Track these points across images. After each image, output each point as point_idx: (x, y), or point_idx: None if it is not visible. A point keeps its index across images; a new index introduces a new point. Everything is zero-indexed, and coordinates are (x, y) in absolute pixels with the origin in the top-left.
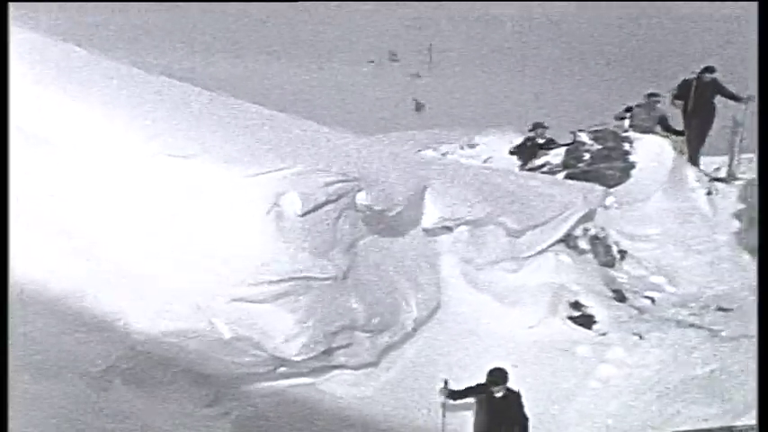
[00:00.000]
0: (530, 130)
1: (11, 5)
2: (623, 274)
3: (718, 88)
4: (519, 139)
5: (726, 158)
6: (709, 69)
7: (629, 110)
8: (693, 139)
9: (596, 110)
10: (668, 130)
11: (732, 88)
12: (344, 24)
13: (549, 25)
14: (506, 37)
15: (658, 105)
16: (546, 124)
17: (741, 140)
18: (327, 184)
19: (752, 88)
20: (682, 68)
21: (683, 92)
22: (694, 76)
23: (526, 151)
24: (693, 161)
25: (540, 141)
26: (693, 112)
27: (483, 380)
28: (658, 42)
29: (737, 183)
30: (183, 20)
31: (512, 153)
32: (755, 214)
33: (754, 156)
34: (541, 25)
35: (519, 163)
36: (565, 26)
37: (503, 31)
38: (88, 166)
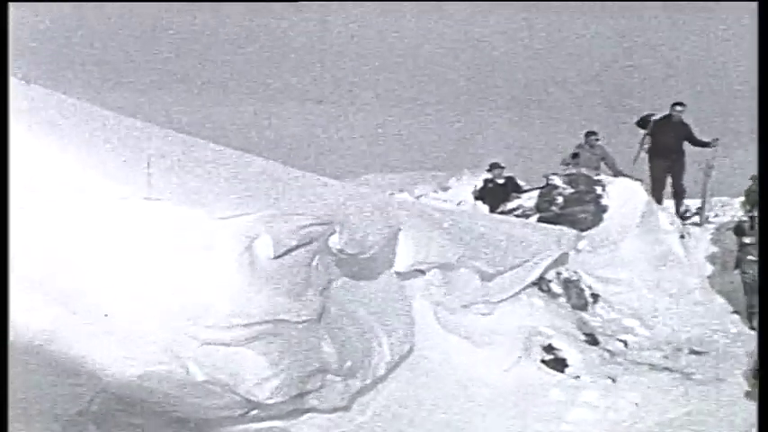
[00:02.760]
0: (487, 170)
1: (11, 5)
2: (596, 317)
3: (687, 134)
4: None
5: (696, 201)
6: (679, 105)
7: (575, 155)
8: (659, 179)
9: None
10: (613, 168)
11: (697, 134)
12: (316, 65)
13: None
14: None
15: (598, 143)
16: (502, 164)
17: (712, 184)
18: (300, 228)
19: (752, 87)
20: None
21: (649, 126)
22: (663, 114)
23: (489, 193)
24: (657, 201)
25: (500, 182)
26: (661, 151)
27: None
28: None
29: (710, 226)
30: (159, 58)
31: (476, 198)
32: (729, 259)
33: (727, 198)
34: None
35: (488, 207)
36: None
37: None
38: (58, 208)
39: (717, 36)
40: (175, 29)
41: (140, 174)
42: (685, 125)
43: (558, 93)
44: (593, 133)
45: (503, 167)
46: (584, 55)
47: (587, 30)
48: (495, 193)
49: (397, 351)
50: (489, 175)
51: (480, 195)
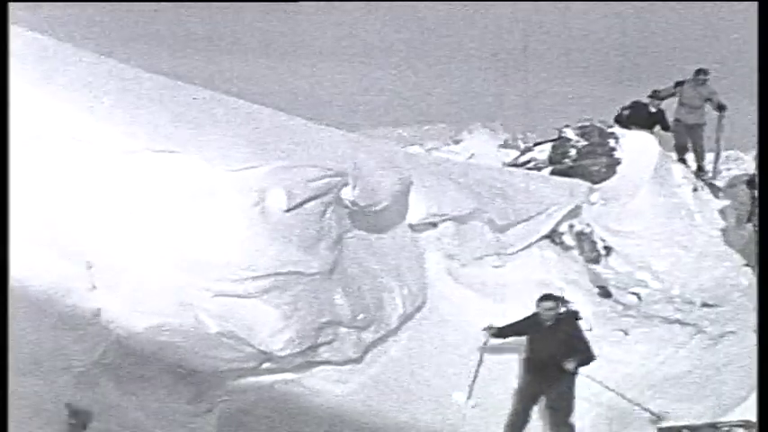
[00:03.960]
0: (648, 96)
1: (11, 5)
2: (609, 270)
3: (711, 94)
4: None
5: (710, 155)
6: (704, 72)
7: (679, 83)
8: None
9: (582, 106)
10: (719, 107)
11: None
12: (329, 22)
13: (536, 24)
14: (492, 36)
15: (707, 82)
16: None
17: (723, 138)
18: (312, 180)
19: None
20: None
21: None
22: (690, 78)
23: (636, 114)
24: (699, 158)
25: (652, 110)
26: (685, 113)
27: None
28: (652, 42)
29: (723, 179)
30: (164, 17)
31: (622, 114)
32: (743, 212)
33: (737, 153)
34: (527, 24)
35: (505, 159)
36: (551, 24)
37: (489, 29)
38: (69, 161)
39: (717, 36)
40: None
41: (150, 126)
42: (709, 87)
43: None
44: (704, 71)
45: (663, 99)
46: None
47: (588, 22)
48: (643, 118)
49: (410, 304)
50: (647, 100)
51: (627, 116)
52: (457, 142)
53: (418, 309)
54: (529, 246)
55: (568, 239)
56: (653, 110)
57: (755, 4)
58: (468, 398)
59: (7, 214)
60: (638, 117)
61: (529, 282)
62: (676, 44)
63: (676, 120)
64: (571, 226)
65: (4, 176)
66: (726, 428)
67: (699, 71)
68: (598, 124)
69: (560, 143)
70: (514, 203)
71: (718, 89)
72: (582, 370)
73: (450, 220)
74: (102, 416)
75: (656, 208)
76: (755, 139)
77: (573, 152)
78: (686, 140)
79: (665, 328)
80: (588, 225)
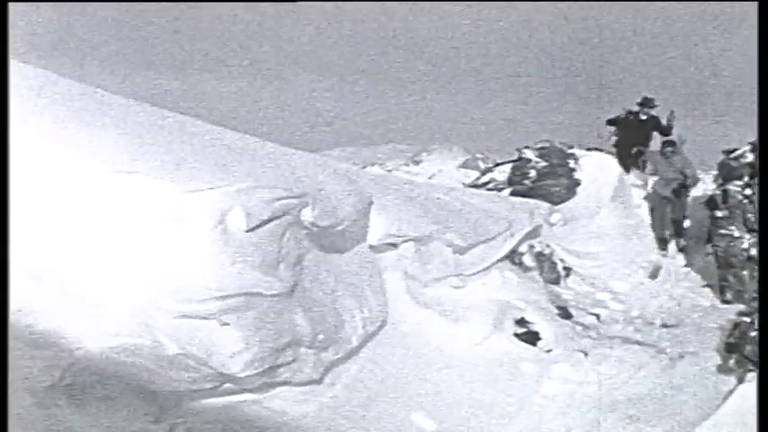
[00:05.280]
0: (638, 104)
1: (11, 5)
2: (568, 290)
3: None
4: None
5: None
6: (671, 143)
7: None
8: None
9: (541, 128)
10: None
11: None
12: (290, 43)
13: (497, 45)
14: (452, 58)
15: (677, 153)
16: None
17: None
18: (272, 200)
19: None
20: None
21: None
22: (636, 109)
23: (625, 126)
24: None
25: (643, 117)
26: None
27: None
28: (616, 64)
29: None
30: (125, 35)
31: (609, 124)
32: (702, 232)
33: (699, 172)
34: (488, 46)
35: (465, 180)
36: (513, 46)
37: (449, 51)
38: (30, 181)
39: (717, 36)
40: (160, 12)
41: (111, 147)
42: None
43: (529, 73)
44: (671, 143)
45: (655, 106)
46: (575, 49)
47: (583, 24)
48: (632, 129)
49: (370, 324)
50: (636, 109)
51: (615, 123)
52: (417, 163)
53: (378, 329)
54: (489, 266)
55: (528, 260)
56: (643, 117)
57: (755, 4)
58: None
59: (7, 216)
60: (629, 123)
61: (489, 302)
62: (642, 66)
63: (654, 190)
64: (531, 247)
65: (4, 176)
66: None
67: (665, 143)
68: (558, 145)
69: (520, 164)
70: (474, 224)
71: (679, 110)
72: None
73: (410, 240)
74: None
75: (615, 228)
76: (715, 158)
77: (533, 173)
78: (664, 212)
79: (625, 348)
80: (548, 246)
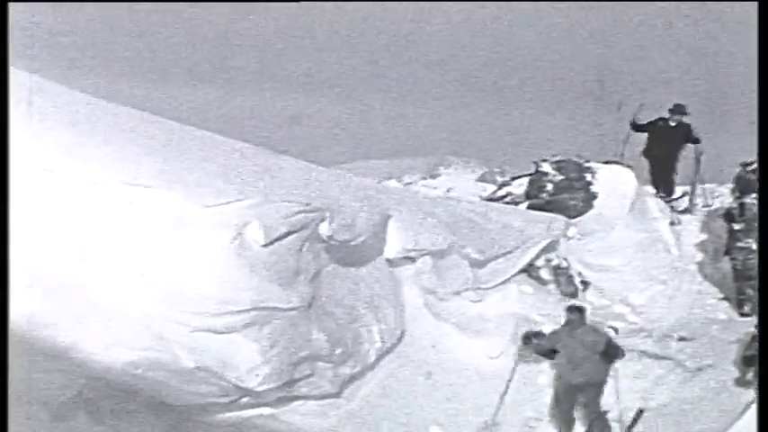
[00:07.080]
0: (669, 110)
1: (11, 5)
2: (586, 304)
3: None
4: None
5: (686, 188)
6: (681, 109)
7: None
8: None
9: (558, 141)
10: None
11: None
12: (307, 54)
13: (514, 58)
14: (469, 71)
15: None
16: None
17: (702, 171)
18: (290, 215)
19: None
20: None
21: (649, 127)
22: (667, 116)
23: (658, 132)
24: (667, 191)
25: (672, 124)
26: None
27: None
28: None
29: (700, 213)
30: (144, 48)
31: (636, 129)
32: (720, 245)
33: (715, 186)
34: (506, 59)
35: (482, 194)
36: (530, 58)
37: (467, 64)
38: (47, 194)
39: (716, 36)
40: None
41: (123, 159)
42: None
43: (545, 85)
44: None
45: (687, 113)
46: (579, 52)
47: (583, 28)
48: (661, 136)
49: (387, 338)
50: (667, 115)
51: (644, 129)
52: (434, 176)
53: (396, 343)
54: (506, 280)
55: (545, 274)
56: (673, 124)
57: (755, 4)
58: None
59: (7, 222)
60: (659, 130)
61: (506, 316)
62: (657, 78)
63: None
64: (548, 260)
65: (4, 177)
66: None
67: (570, 309)
68: (575, 159)
69: (537, 177)
70: (492, 238)
71: (699, 121)
72: None
73: (427, 254)
74: None
75: (633, 242)
76: (732, 170)
77: (550, 186)
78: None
79: (642, 361)
80: (565, 259)
